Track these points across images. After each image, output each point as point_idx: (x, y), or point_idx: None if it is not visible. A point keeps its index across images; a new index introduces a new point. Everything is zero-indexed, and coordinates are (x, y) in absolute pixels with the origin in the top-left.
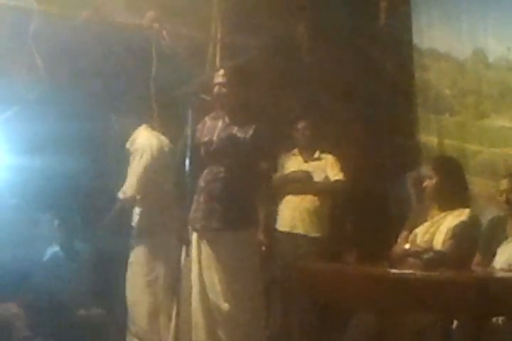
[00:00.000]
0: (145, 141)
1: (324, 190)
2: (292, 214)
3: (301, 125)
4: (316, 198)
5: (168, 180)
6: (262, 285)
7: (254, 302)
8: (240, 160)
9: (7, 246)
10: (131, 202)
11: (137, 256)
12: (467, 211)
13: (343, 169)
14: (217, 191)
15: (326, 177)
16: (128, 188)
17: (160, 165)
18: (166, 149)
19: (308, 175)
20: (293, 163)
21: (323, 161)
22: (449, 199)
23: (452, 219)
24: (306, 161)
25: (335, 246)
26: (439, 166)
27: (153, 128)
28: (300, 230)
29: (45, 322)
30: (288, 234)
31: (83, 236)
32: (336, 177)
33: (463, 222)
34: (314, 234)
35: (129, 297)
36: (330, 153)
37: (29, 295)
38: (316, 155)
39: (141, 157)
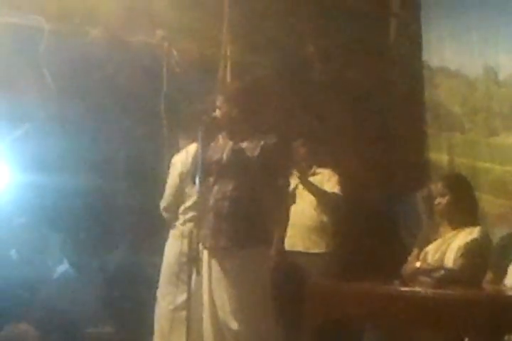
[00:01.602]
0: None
1: (320, 203)
2: (290, 231)
3: (296, 143)
4: (315, 214)
5: None
6: (272, 304)
7: (264, 321)
8: (249, 179)
9: (17, 264)
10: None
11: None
12: (478, 229)
13: (340, 183)
14: (226, 209)
15: (325, 190)
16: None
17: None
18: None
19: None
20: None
21: (319, 176)
22: (460, 217)
23: (463, 237)
24: None
25: (340, 262)
26: (451, 184)
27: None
28: (300, 248)
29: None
30: (289, 252)
31: (92, 253)
32: (332, 190)
33: (474, 240)
34: (316, 250)
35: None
36: (328, 167)
37: (40, 313)
38: (313, 170)
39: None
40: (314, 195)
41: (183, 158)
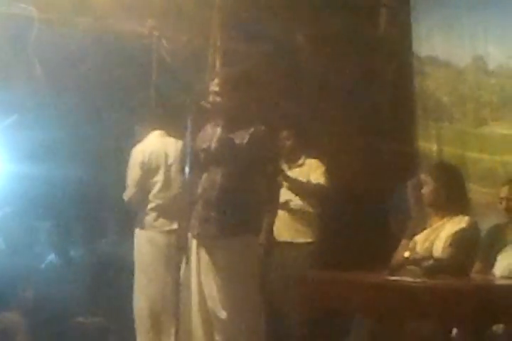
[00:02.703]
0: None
1: (304, 193)
2: (276, 222)
3: (283, 134)
4: (301, 204)
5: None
6: (260, 292)
7: (253, 309)
8: (237, 167)
9: (5, 254)
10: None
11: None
12: (466, 218)
13: (326, 174)
14: (214, 198)
15: (308, 182)
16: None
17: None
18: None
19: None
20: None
21: (306, 167)
22: (447, 206)
23: (452, 227)
24: (290, 168)
25: (326, 252)
26: (435, 172)
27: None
28: (286, 237)
29: (44, 330)
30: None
31: (80, 243)
32: (317, 181)
33: (462, 229)
34: (302, 240)
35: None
36: (316, 158)
37: (28, 302)
38: (301, 161)
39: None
40: (297, 189)
41: (143, 148)
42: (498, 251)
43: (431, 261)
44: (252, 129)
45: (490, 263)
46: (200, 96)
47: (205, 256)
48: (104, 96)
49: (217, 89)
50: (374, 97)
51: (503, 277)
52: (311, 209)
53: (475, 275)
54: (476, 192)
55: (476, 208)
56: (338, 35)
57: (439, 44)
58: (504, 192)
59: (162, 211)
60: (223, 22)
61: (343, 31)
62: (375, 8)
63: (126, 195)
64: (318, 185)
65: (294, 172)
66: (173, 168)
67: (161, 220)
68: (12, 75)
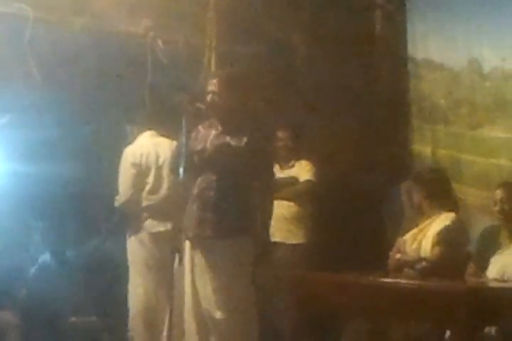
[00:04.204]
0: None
1: (295, 193)
2: None
3: (282, 135)
4: (292, 204)
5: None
6: (254, 293)
7: (247, 310)
8: (233, 169)
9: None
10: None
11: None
12: (451, 215)
13: (315, 172)
14: (211, 199)
15: (298, 182)
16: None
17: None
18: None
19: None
20: None
21: (297, 168)
22: (435, 208)
23: (437, 225)
24: (281, 168)
25: (318, 253)
26: (422, 180)
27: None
28: (278, 238)
29: (38, 330)
30: None
31: (74, 242)
32: (305, 178)
33: (447, 227)
34: (293, 241)
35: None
36: (307, 160)
37: (22, 302)
38: (292, 162)
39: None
40: (287, 190)
41: (134, 150)
42: (492, 253)
43: (424, 263)
44: (249, 131)
45: (484, 265)
46: (195, 97)
47: (199, 257)
48: (99, 95)
49: (214, 89)
50: (369, 99)
51: (496, 279)
52: (303, 210)
53: (469, 277)
54: (470, 194)
55: (470, 210)
56: (333, 36)
57: (435, 47)
58: (498, 194)
59: (152, 212)
60: (219, 22)
61: (339, 33)
62: (370, 10)
63: (119, 200)
64: (306, 181)
65: (284, 173)
66: (164, 169)
67: (150, 221)
68: (7, 75)
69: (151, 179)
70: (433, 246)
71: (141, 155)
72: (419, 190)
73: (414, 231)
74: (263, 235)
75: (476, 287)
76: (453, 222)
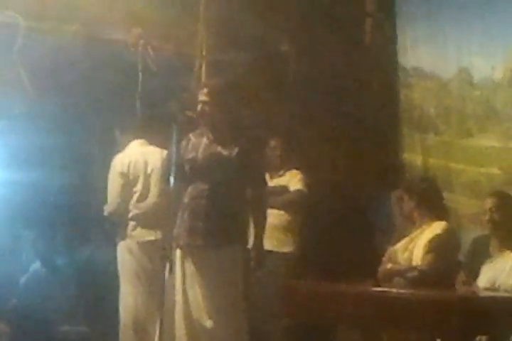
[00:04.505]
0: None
1: (285, 202)
2: None
3: (273, 144)
4: (282, 213)
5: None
6: (245, 302)
7: (237, 319)
8: (225, 178)
9: None
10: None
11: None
12: (443, 224)
13: (304, 180)
14: (202, 208)
15: (288, 191)
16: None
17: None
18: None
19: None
20: None
21: (287, 177)
22: (425, 217)
23: (428, 234)
24: (271, 177)
25: (307, 262)
26: (411, 190)
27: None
28: (268, 247)
29: (29, 339)
30: None
31: (65, 251)
32: (296, 187)
33: (437, 236)
34: (283, 250)
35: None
36: (297, 168)
37: (13, 311)
38: (282, 171)
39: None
40: (277, 199)
41: (123, 159)
42: (482, 262)
43: (415, 272)
44: (241, 142)
45: (474, 274)
46: (185, 106)
47: (190, 266)
48: (90, 103)
49: (205, 99)
50: (359, 108)
51: (486, 288)
52: (293, 219)
53: (459, 286)
54: (460, 203)
55: (460, 219)
56: (323, 45)
57: (425, 55)
58: (488, 203)
59: (141, 221)
60: (209, 31)
61: (329, 41)
62: (360, 18)
63: (108, 209)
64: (297, 191)
65: (273, 182)
66: (153, 177)
67: (139, 230)
68: None
69: (139, 187)
70: (424, 255)
71: (129, 163)
72: (409, 199)
73: (405, 240)
74: (257, 244)
75: (466, 296)
76: (444, 231)
